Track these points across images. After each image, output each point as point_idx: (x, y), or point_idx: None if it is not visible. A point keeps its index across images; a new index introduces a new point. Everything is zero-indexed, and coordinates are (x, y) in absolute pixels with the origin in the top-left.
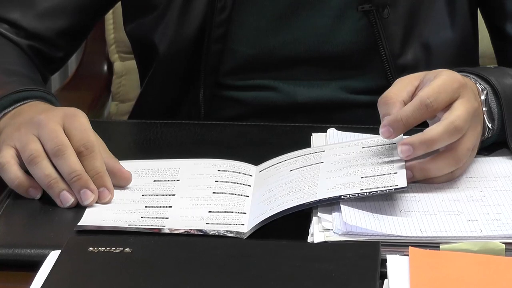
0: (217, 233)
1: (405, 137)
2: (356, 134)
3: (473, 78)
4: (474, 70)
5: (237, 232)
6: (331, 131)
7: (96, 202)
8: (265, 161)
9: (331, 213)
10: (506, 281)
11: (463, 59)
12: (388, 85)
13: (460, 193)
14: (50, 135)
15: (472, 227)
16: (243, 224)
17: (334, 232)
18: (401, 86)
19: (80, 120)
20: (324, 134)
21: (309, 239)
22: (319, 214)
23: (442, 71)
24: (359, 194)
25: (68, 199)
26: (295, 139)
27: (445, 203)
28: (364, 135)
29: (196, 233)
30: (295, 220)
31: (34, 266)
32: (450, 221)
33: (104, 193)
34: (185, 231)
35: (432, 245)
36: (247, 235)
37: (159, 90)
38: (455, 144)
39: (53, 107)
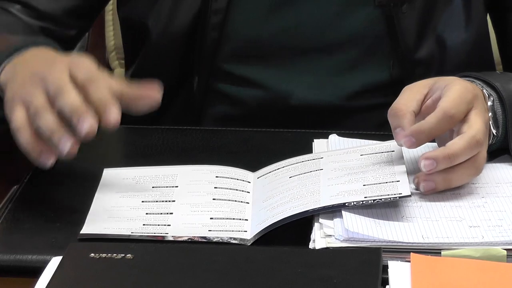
0: (220, 240)
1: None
2: (357, 140)
3: (479, 84)
4: (480, 75)
5: (241, 239)
6: (333, 137)
7: (101, 125)
8: (258, 168)
9: (332, 219)
10: (508, 287)
11: (477, 57)
12: (389, 81)
13: (461, 199)
14: (53, 80)
15: (474, 233)
16: (246, 231)
17: (336, 238)
18: (410, 96)
19: (85, 62)
20: (326, 140)
21: (311, 245)
22: (320, 220)
23: (453, 81)
24: (364, 202)
25: (65, 142)
26: (296, 146)
27: (446, 209)
28: (365, 141)
29: (199, 240)
30: (296, 226)
31: (35, 272)
32: (451, 227)
33: (111, 112)
34: (189, 238)
35: (433, 251)
36: (251, 241)
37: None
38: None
39: (57, 54)
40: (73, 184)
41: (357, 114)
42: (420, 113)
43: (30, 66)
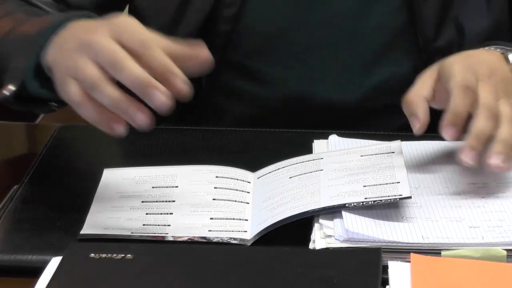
0: (220, 240)
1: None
2: (357, 140)
3: (502, 49)
4: (504, 43)
5: (241, 239)
6: (333, 137)
7: (173, 96)
8: (258, 168)
9: (332, 220)
10: (508, 287)
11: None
12: (410, 75)
13: (462, 200)
14: (101, 52)
15: (474, 234)
16: (246, 231)
17: (336, 239)
18: (421, 83)
19: (129, 23)
20: (326, 140)
21: (311, 246)
22: (320, 220)
23: (453, 59)
24: (364, 203)
25: (139, 115)
26: (296, 146)
27: (446, 209)
28: (366, 141)
29: (199, 240)
30: (297, 227)
31: (35, 272)
32: (451, 228)
33: (175, 81)
34: (189, 239)
35: (433, 251)
36: (251, 242)
37: None
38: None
39: (98, 21)
40: (73, 184)
41: (380, 114)
42: (434, 99)
43: (74, 38)
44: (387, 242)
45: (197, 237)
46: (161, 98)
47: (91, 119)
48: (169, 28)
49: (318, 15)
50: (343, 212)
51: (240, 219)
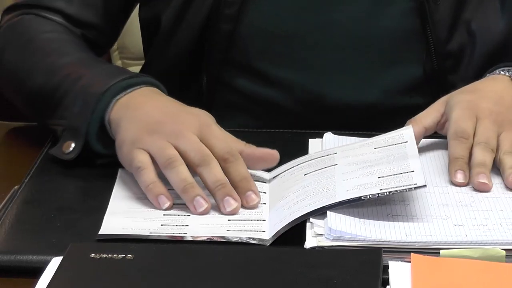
0: (239, 240)
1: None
2: (353, 138)
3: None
4: None
5: (260, 239)
6: (328, 135)
7: (243, 207)
8: (272, 168)
9: (323, 219)
10: (507, 287)
11: (509, 48)
12: (423, 78)
13: (450, 198)
14: (192, 147)
15: (458, 232)
16: (264, 231)
17: (326, 238)
18: (427, 112)
19: (216, 128)
20: (320, 139)
21: (305, 245)
22: (311, 219)
23: (455, 103)
24: (379, 194)
25: (202, 204)
26: (296, 146)
27: (433, 207)
28: (361, 139)
29: (218, 240)
30: (297, 227)
31: (36, 272)
32: (436, 226)
33: (251, 197)
34: (208, 238)
35: (433, 251)
36: (270, 241)
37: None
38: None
39: (174, 104)
40: (73, 184)
41: (391, 115)
42: (442, 129)
43: (149, 113)
44: (371, 240)
45: (216, 236)
46: (233, 206)
47: (144, 184)
48: (173, 22)
49: (330, 17)
50: (327, 211)
51: (257, 220)
